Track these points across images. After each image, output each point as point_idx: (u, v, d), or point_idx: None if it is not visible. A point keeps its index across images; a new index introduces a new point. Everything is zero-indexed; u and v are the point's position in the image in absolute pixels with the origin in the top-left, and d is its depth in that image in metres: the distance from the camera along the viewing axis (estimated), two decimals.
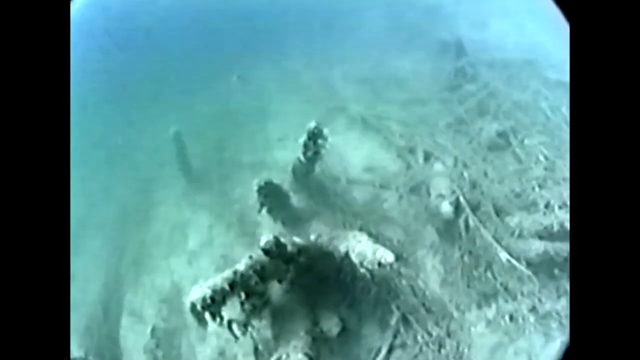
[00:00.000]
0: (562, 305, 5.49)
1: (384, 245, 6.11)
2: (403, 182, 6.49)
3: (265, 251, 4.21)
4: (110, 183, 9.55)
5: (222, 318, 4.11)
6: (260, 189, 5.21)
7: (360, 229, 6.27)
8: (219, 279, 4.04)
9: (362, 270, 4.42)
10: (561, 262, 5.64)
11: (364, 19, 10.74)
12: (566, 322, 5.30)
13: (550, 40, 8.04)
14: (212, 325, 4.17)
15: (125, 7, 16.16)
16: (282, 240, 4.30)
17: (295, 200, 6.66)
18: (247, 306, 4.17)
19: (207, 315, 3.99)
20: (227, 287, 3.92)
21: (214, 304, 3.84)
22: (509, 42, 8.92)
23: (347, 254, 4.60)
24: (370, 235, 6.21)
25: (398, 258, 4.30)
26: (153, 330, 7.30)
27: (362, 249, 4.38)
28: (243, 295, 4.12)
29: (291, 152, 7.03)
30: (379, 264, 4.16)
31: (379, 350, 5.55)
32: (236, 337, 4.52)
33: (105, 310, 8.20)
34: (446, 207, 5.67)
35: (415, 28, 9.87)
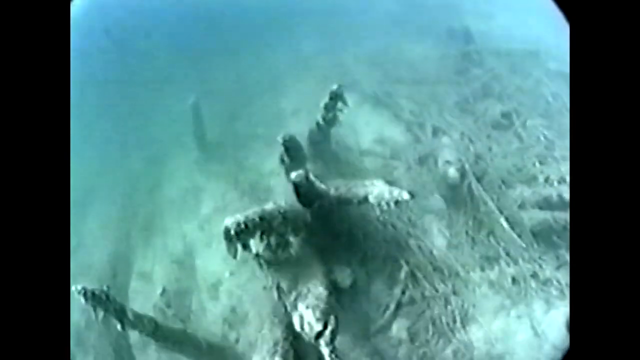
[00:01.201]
0: (562, 274, 5.77)
1: (394, 211, 6.52)
2: (412, 154, 6.88)
3: (296, 184, 4.50)
4: (123, 152, 9.77)
5: (250, 249, 4.37)
6: (284, 142, 5.51)
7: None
8: (250, 212, 4.31)
9: (379, 211, 4.72)
10: (560, 230, 6.03)
11: (375, 5, 11.23)
12: (567, 291, 5.56)
13: (552, 35, 8.53)
14: (240, 254, 4.42)
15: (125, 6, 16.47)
16: (311, 177, 4.61)
17: (310, 168, 6.99)
18: (272, 240, 4.44)
19: (238, 244, 4.25)
20: (257, 219, 4.20)
21: (246, 230, 4.11)
22: (514, 34, 9.45)
23: (365, 198, 4.91)
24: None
25: (413, 196, 4.60)
26: (163, 290, 7.49)
27: (379, 191, 4.71)
28: (270, 230, 4.39)
29: (304, 125, 7.36)
30: (396, 202, 4.48)
31: (388, 307, 5.86)
32: (261, 267, 4.76)
33: (114, 272, 8.37)
34: (452, 172, 6.05)
35: (425, 15, 10.39)
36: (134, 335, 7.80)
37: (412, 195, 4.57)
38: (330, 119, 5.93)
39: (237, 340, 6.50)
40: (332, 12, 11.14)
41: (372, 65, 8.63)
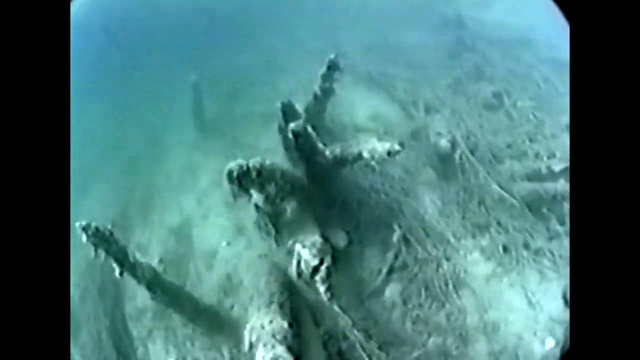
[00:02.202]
0: (555, 246, 5.89)
1: (387, 181, 6.72)
2: (405, 129, 7.10)
3: (295, 133, 4.68)
4: (121, 132, 9.91)
5: (250, 195, 4.51)
6: (283, 107, 5.70)
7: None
8: (252, 159, 4.48)
9: (373, 163, 4.90)
10: (549, 201, 6.23)
11: None
12: (561, 263, 5.68)
13: (545, 25, 8.83)
14: (241, 199, 4.56)
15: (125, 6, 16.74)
16: (309, 130, 4.79)
17: None
18: (272, 190, 4.59)
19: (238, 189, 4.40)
20: (258, 165, 4.36)
21: (247, 174, 4.26)
22: (507, 22, 9.77)
23: (359, 154, 5.09)
24: (373, 171, 6.81)
25: (403, 146, 4.80)
26: (160, 260, 7.56)
27: (372, 145, 4.91)
28: (269, 180, 4.54)
29: (301, 105, 7.56)
30: (389, 153, 4.67)
31: (380, 271, 5.99)
32: (261, 213, 4.88)
33: None
34: (444, 143, 6.28)
35: (419, 3, 10.73)
36: (128, 307, 7.93)
37: (402, 145, 4.76)
38: (327, 88, 6.15)
39: (232, 307, 6.59)
40: (329, 2, 11.45)
41: (368, 49, 8.91)
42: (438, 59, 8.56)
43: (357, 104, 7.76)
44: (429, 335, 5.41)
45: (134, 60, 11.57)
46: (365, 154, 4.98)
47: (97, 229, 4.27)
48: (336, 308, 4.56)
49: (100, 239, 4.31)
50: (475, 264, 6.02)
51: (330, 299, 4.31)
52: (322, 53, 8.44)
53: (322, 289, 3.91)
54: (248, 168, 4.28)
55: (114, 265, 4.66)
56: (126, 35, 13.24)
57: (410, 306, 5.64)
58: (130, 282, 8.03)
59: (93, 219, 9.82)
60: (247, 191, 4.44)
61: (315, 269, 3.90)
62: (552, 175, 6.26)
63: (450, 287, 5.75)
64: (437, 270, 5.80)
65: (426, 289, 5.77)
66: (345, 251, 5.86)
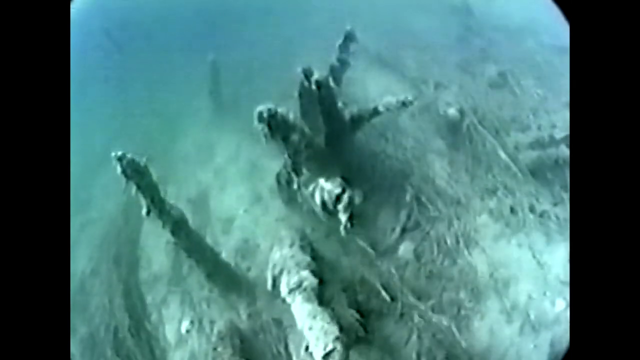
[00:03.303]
0: (560, 211, 6.14)
1: (399, 149, 7.06)
2: (415, 104, 7.44)
3: (318, 84, 5.01)
4: (139, 112, 10.24)
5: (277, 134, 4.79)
6: (304, 71, 6.05)
7: (379, 135, 7.19)
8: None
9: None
10: (552, 166, 6.55)
11: None
12: (567, 227, 5.88)
13: (546, 17, 9.29)
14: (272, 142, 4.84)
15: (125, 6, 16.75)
16: (331, 83, 5.13)
17: None
18: (296, 137, 4.87)
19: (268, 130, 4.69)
20: (285, 113, 4.67)
21: (275, 116, 4.55)
22: (512, 13, 10.26)
23: (375, 110, 5.43)
24: (387, 140, 7.15)
25: (416, 98, 5.15)
26: (174, 243, 7.73)
27: (386, 100, 5.26)
28: (294, 127, 4.84)
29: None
30: (403, 103, 5.03)
31: (394, 230, 6.24)
32: (289, 157, 5.13)
33: (126, 218, 8.64)
34: (452, 111, 6.66)
35: None
36: (143, 274, 8.06)
37: (415, 97, 5.15)
38: (343, 59, 6.54)
39: (248, 269, 6.78)
40: None
41: (380, 34, 9.39)
42: (446, 43, 9.06)
43: (369, 83, 8.14)
44: (443, 289, 5.63)
45: (152, 41, 11.95)
46: (381, 108, 5.33)
47: (132, 160, 4.43)
48: (359, 241, 4.78)
49: (134, 170, 4.47)
50: (484, 225, 6.28)
51: (351, 228, 4.54)
52: (335, 38, 8.94)
53: (344, 218, 4.15)
54: (276, 112, 4.59)
55: (142, 201, 4.82)
56: (140, 23, 13.63)
57: (423, 261, 5.89)
58: (146, 249, 8.40)
59: (106, 197, 10.07)
60: (274, 135, 4.72)
61: (338, 198, 4.14)
62: (554, 143, 6.60)
63: (461, 244, 6.01)
64: (448, 228, 6.07)
65: (438, 245, 6.02)
66: (362, 207, 6.10)
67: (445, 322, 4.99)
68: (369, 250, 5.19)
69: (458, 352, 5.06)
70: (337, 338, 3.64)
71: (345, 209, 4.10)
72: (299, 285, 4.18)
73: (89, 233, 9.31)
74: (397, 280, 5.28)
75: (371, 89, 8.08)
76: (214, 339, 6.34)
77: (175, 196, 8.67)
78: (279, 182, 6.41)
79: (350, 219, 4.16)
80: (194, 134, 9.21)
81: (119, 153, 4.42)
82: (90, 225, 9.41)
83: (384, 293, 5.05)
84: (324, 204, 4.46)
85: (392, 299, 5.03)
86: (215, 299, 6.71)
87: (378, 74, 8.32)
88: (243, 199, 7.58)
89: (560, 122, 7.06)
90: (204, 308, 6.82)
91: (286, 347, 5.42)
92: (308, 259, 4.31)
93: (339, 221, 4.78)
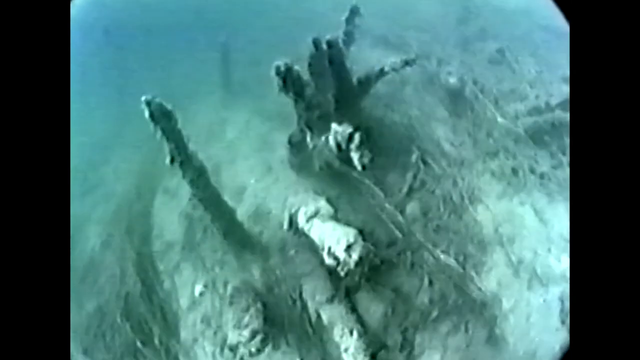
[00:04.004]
0: (560, 173, 6.51)
1: (404, 117, 7.39)
2: (419, 78, 7.85)
3: (329, 43, 5.36)
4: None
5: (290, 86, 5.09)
6: (314, 41, 6.39)
7: (385, 106, 7.53)
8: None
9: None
10: (549, 129, 6.91)
11: None
12: (565, 187, 6.23)
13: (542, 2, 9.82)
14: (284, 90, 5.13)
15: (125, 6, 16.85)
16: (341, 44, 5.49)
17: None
18: (308, 92, 5.19)
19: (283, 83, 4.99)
20: (299, 69, 5.02)
21: (290, 71, 4.88)
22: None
23: (381, 70, 5.79)
24: (392, 110, 7.48)
25: (417, 57, 5.52)
26: (191, 198, 7.95)
27: (392, 61, 5.63)
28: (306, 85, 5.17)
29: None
30: (407, 62, 5.38)
31: (401, 190, 6.52)
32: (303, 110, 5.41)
33: (138, 193, 8.85)
34: (453, 80, 7.05)
35: None
36: (156, 243, 8.21)
37: (416, 56, 5.53)
38: (349, 32, 6.95)
39: (261, 232, 7.00)
40: None
41: (384, 17, 9.85)
42: (447, 24, 9.53)
43: (374, 62, 8.50)
44: (450, 241, 5.87)
45: (162, 22, 12.26)
46: (387, 68, 5.68)
47: (160, 103, 4.67)
48: (367, 182, 5.03)
49: (162, 113, 4.71)
50: (487, 184, 6.59)
51: (364, 167, 4.81)
52: (341, 22, 9.36)
53: (356, 157, 4.42)
54: (292, 67, 4.92)
55: (167, 147, 5.05)
56: (145, 15, 13.91)
57: (430, 216, 6.15)
58: (158, 221, 8.58)
59: (117, 178, 10.32)
60: (288, 88, 5.04)
61: (351, 137, 4.42)
62: (550, 109, 6.97)
63: (466, 201, 6.30)
64: (453, 186, 6.36)
65: (444, 202, 6.30)
66: (369, 167, 6.37)
67: (455, 266, 5.22)
68: (380, 193, 5.45)
69: (469, 298, 5.30)
70: (357, 234, 3.85)
71: (358, 148, 4.37)
72: (316, 212, 4.42)
73: (100, 211, 9.49)
74: (406, 226, 5.52)
75: (376, 66, 8.46)
76: (228, 296, 6.55)
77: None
78: (291, 144, 6.69)
79: (363, 156, 4.43)
80: (204, 114, 9.51)
81: (148, 97, 4.62)
82: (101, 204, 9.60)
83: (396, 232, 5.28)
84: (338, 146, 4.73)
85: (404, 234, 5.25)
86: (228, 262, 6.91)
87: (382, 53, 8.68)
88: (254, 169, 7.85)
89: (556, 92, 7.43)
90: (217, 271, 7.01)
91: (301, 294, 5.63)
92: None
93: (352, 169, 5.07)
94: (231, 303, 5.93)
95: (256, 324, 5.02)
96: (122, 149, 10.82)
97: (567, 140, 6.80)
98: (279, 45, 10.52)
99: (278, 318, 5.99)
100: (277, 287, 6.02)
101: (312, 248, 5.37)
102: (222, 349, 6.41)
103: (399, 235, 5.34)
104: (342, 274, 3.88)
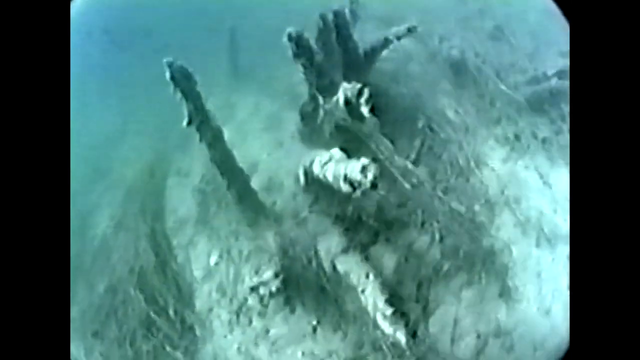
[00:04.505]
0: (561, 138, 6.78)
1: (409, 89, 7.67)
2: (422, 54, 8.17)
3: (335, 13, 5.68)
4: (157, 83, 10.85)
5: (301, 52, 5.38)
6: (321, 16, 6.68)
7: (390, 80, 7.81)
8: None
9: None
10: (548, 97, 7.20)
11: None
12: (567, 152, 6.40)
13: None
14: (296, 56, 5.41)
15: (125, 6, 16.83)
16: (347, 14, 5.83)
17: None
18: (319, 58, 5.48)
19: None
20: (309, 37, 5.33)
21: (301, 38, 5.18)
22: None
23: (385, 39, 6.11)
24: (398, 83, 7.76)
25: (419, 25, 5.87)
26: (203, 176, 8.17)
27: (394, 30, 6.00)
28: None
29: None
30: (409, 29, 5.73)
31: (409, 156, 6.75)
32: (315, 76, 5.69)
33: (151, 173, 9.05)
34: (455, 51, 7.36)
35: None
36: (169, 220, 8.37)
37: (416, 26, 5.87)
38: (354, 11, 7.30)
39: (274, 202, 7.20)
40: None
41: (385, 0, 10.24)
42: (447, 5, 9.91)
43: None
44: (459, 201, 6.09)
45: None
46: (391, 37, 6.00)
47: (181, 65, 4.89)
48: (376, 135, 5.25)
49: (182, 75, 4.92)
50: (492, 149, 6.85)
51: (374, 119, 5.06)
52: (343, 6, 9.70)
53: (366, 110, 4.67)
54: (303, 34, 5.22)
55: (186, 108, 5.26)
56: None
57: (438, 178, 6.38)
58: (171, 200, 8.75)
59: (128, 164, 10.53)
60: (300, 55, 5.32)
61: (360, 92, 4.67)
62: (547, 78, 7.28)
63: (472, 164, 6.54)
64: (459, 150, 6.61)
65: (451, 165, 6.54)
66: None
67: (465, 213, 5.44)
68: (389, 145, 5.69)
69: (479, 246, 5.51)
70: (372, 160, 4.06)
71: (367, 101, 4.62)
72: (331, 158, 4.64)
73: (110, 195, 9.68)
74: (416, 177, 5.76)
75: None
76: (244, 259, 6.72)
77: (198, 151, 9.21)
78: (302, 115, 6.95)
79: (372, 111, 4.67)
80: (213, 98, 9.75)
81: (169, 59, 4.86)
82: (111, 190, 9.78)
83: (406, 185, 5.51)
84: (347, 102, 4.97)
85: (413, 186, 5.48)
86: (243, 231, 7.09)
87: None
88: (265, 145, 8.08)
89: (553, 64, 7.74)
90: (232, 241, 7.19)
91: (316, 252, 5.81)
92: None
93: (362, 124, 5.32)
94: (247, 260, 6.11)
95: (275, 268, 5.18)
96: (131, 138, 11.05)
97: (565, 108, 7.09)
98: (285, 29, 10.89)
99: (293, 279, 6.16)
100: (291, 248, 6.19)
101: (328, 199, 5.56)
102: (238, 316, 6.60)
103: (409, 187, 5.55)
104: (358, 193, 4.09)
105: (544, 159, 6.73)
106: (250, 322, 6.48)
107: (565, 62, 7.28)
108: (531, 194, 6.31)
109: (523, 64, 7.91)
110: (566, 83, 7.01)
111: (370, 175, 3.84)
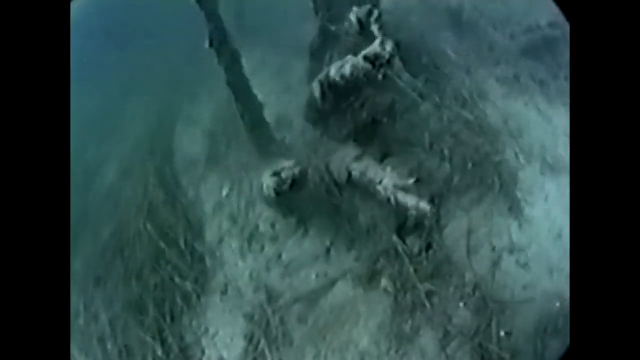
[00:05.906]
0: (557, 82, 7.02)
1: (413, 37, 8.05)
2: (422, 9, 8.64)
3: None
4: (164, 45, 11.02)
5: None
6: None
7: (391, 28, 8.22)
8: None
9: None
10: (542, 44, 7.66)
11: None
12: (565, 94, 6.62)
13: None
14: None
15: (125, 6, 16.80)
16: None
17: None
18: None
19: None
20: None
21: None
22: None
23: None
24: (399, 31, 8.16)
25: None
26: (213, 115, 8.33)
27: None
28: None
29: None
30: None
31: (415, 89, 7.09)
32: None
33: (159, 120, 9.17)
34: (453, 4, 7.83)
35: None
36: (179, 161, 8.42)
37: None
38: None
39: (284, 138, 7.42)
40: None
41: None
42: None
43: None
44: (465, 129, 6.42)
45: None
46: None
47: None
48: (387, 48, 5.54)
49: None
50: (492, 87, 7.23)
51: (384, 36, 5.38)
52: None
53: (375, 28, 4.99)
54: None
55: (207, 28, 5.48)
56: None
57: (443, 108, 6.72)
58: (180, 142, 8.85)
59: (135, 119, 10.55)
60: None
61: (370, 12, 4.99)
62: (540, 28, 7.79)
63: (475, 96, 6.91)
64: (462, 82, 6.99)
65: (455, 98, 6.90)
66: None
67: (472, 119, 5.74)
68: (398, 62, 5.99)
69: (488, 163, 5.80)
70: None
71: (377, 20, 4.93)
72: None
73: (118, 147, 9.77)
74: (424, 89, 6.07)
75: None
76: (253, 194, 6.87)
77: (206, 99, 9.42)
78: (312, 53, 7.24)
79: (382, 27, 4.99)
80: (220, 55, 9.99)
81: None
82: (119, 143, 9.85)
83: (417, 98, 5.82)
84: (359, 21, 5.28)
85: (423, 98, 5.77)
86: (254, 165, 7.26)
87: None
88: (272, 90, 8.32)
89: (545, 17, 8.29)
90: (242, 175, 7.35)
91: (327, 167, 6.02)
92: None
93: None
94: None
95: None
96: (135, 97, 11.15)
97: (559, 57, 7.59)
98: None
99: (306, 201, 6.37)
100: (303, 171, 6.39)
101: (340, 116, 5.75)
102: (250, 243, 6.71)
103: (419, 100, 5.85)
104: (378, 66, 4.31)
105: (543, 98, 7.07)
106: (262, 248, 6.60)
107: (557, 15, 7.83)
108: (532, 127, 6.62)
109: (519, 19, 8.42)
110: (558, 32, 7.55)
111: (388, 47, 4.12)
